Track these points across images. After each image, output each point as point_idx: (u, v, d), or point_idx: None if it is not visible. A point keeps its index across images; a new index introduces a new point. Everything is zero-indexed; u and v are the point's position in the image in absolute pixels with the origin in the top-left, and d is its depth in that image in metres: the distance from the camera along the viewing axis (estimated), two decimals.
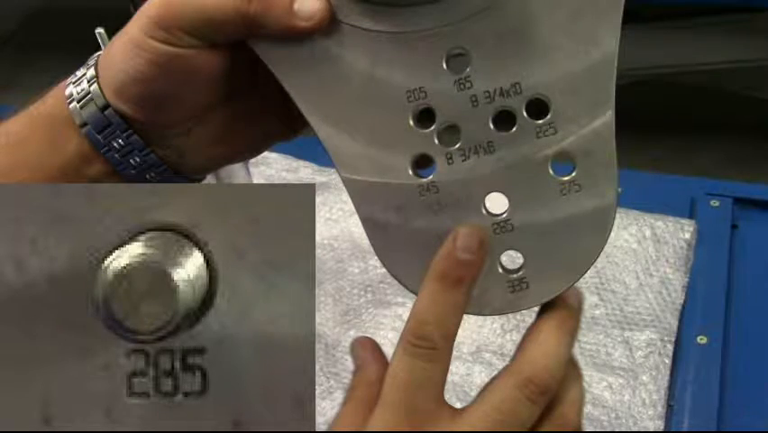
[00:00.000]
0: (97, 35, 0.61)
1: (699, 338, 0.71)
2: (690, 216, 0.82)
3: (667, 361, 0.70)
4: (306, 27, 0.32)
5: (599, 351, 0.72)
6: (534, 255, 0.34)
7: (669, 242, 0.79)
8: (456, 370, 0.73)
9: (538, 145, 0.32)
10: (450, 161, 0.33)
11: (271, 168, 0.95)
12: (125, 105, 0.35)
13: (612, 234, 0.89)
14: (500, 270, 0.35)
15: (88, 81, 0.35)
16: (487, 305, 0.36)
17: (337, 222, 0.89)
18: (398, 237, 0.34)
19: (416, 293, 0.34)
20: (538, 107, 0.32)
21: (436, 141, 0.33)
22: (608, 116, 0.32)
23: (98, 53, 0.36)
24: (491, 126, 0.32)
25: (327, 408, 0.73)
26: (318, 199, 0.91)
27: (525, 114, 0.32)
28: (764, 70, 1.27)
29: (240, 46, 0.34)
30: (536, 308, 0.37)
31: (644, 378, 0.69)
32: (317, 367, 0.76)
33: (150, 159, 0.36)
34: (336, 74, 0.33)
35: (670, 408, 0.68)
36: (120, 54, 0.34)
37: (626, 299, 0.76)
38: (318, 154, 0.97)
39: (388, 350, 0.85)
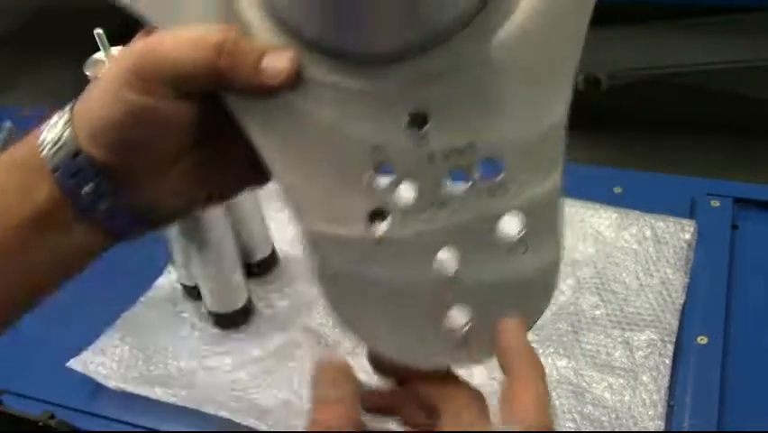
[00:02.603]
0: (96, 36, 0.61)
1: (699, 338, 0.71)
2: (691, 216, 0.82)
3: (667, 361, 0.70)
4: (272, 85, 0.33)
5: (600, 351, 0.72)
6: (480, 312, 0.35)
7: (669, 242, 0.79)
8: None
9: (490, 205, 0.33)
10: (404, 216, 0.33)
11: None
12: (98, 150, 0.35)
13: (612, 234, 0.89)
14: (446, 324, 0.35)
15: (63, 126, 0.36)
16: (430, 358, 0.36)
17: None
18: (351, 289, 0.35)
19: (365, 342, 0.35)
20: (492, 168, 0.33)
21: (392, 196, 0.33)
22: (556, 180, 0.33)
23: (75, 100, 0.36)
24: (446, 184, 0.33)
25: None
26: None
27: (478, 174, 0.33)
28: (764, 70, 1.27)
29: (212, 94, 0.34)
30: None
31: (645, 378, 0.69)
32: None
33: (119, 205, 0.37)
34: (299, 127, 0.33)
35: (670, 408, 0.68)
36: (95, 101, 0.35)
37: (627, 300, 0.76)
38: None
39: None
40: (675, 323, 0.73)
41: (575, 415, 0.68)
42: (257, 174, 0.37)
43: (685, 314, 0.74)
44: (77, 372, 0.74)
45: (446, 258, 0.34)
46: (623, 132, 1.35)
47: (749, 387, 0.69)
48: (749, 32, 1.24)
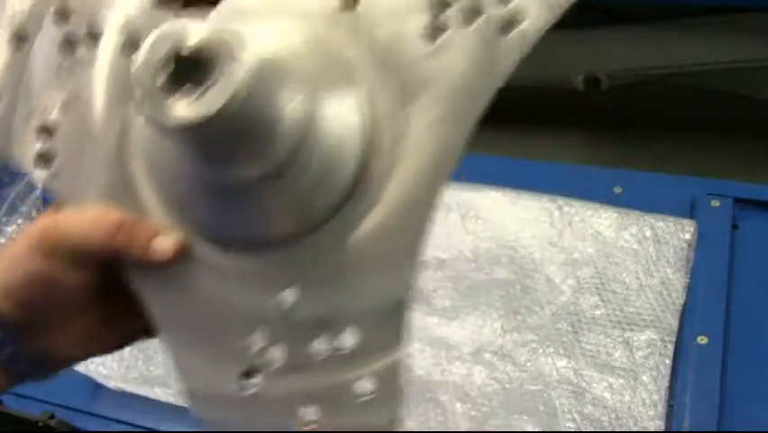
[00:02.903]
0: None
1: (699, 338, 0.71)
2: (691, 216, 0.82)
3: (667, 361, 0.70)
4: (160, 261, 0.38)
5: (600, 351, 0.72)
6: None
7: (669, 242, 0.79)
8: (456, 370, 0.74)
9: (346, 368, 0.37)
10: (273, 377, 0.38)
11: None
12: (5, 304, 0.38)
13: (612, 234, 0.90)
14: None
15: None
16: None
17: None
18: None
19: None
20: (349, 336, 0.37)
21: (263, 359, 0.38)
22: (402, 350, 0.37)
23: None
24: (310, 349, 0.38)
25: None
26: None
27: (337, 341, 0.37)
28: (764, 70, 1.26)
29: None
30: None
31: (645, 378, 0.69)
32: None
33: (21, 351, 0.40)
34: (185, 297, 0.39)
35: (670, 408, 0.68)
36: (4, 264, 0.39)
37: (627, 300, 0.76)
38: None
39: None
40: (675, 323, 0.73)
41: (575, 415, 0.68)
42: (152, 329, 0.41)
43: (685, 314, 0.74)
44: (78, 372, 0.74)
45: (309, 412, 0.38)
46: (623, 132, 1.35)
47: (749, 387, 0.69)
48: (749, 32, 1.24)
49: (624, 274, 0.78)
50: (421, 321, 0.78)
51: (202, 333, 0.39)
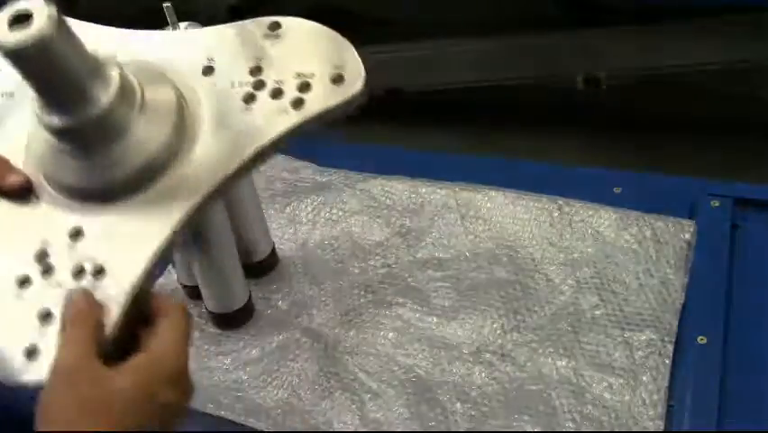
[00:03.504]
0: (165, 9, 0.68)
1: (699, 338, 0.72)
2: (691, 217, 0.82)
3: (667, 361, 0.70)
4: (10, 188, 0.53)
5: (600, 351, 0.72)
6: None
7: (669, 242, 0.79)
8: (456, 370, 0.74)
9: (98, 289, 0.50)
10: (44, 286, 0.51)
11: (273, 168, 0.95)
12: None
13: (612, 234, 0.90)
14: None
15: None
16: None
17: (337, 222, 0.89)
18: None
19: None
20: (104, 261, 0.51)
21: (42, 269, 0.51)
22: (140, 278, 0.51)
23: None
24: (70, 276, 0.51)
25: (327, 408, 0.73)
26: (318, 199, 0.91)
27: (97, 267, 0.51)
28: (765, 70, 1.27)
29: None
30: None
31: (645, 378, 0.69)
32: (317, 367, 0.76)
33: None
34: (14, 214, 0.54)
35: (670, 408, 0.68)
36: None
37: (627, 300, 0.76)
38: (318, 155, 0.97)
39: (389, 350, 0.85)
40: (675, 323, 0.73)
41: (575, 415, 0.68)
42: None
43: (685, 314, 0.74)
44: None
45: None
46: (623, 132, 1.35)
47: (749, 387, 0.69)
48: (749, 32, 1.24)
49: (624, 274, 0.78)
50: (420, 321, 0.78)
51: (10, 241, 0.53)
